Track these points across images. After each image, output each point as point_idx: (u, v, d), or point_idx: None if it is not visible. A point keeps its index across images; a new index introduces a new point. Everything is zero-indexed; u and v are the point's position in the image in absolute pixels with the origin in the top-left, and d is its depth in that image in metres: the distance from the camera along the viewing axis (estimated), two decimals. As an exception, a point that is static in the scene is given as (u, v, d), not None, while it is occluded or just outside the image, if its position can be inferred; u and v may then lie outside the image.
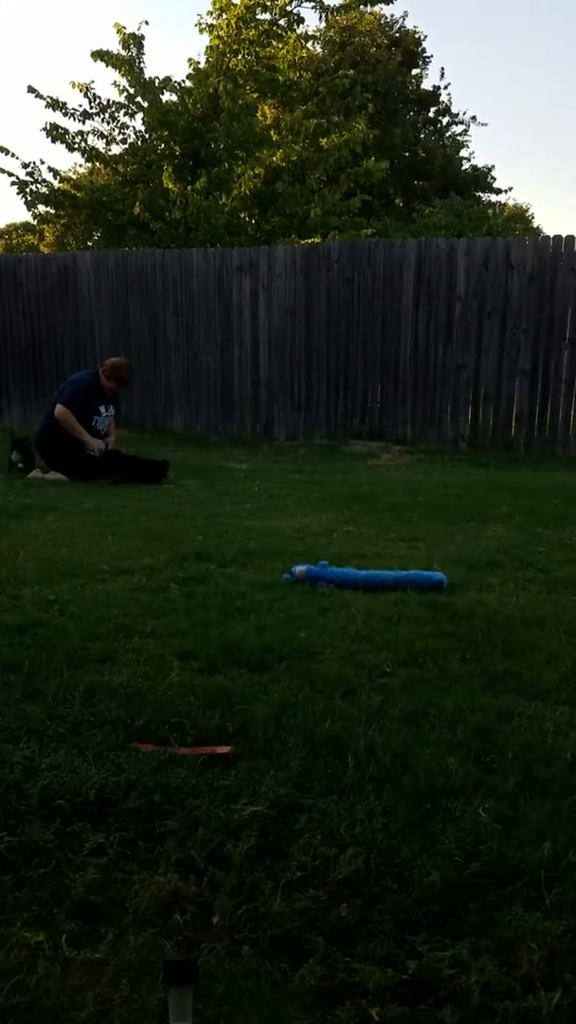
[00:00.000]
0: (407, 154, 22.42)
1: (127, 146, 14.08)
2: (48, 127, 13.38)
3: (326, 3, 13.92)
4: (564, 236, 9.07)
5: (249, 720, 2.42)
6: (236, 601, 3.57)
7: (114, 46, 13.60)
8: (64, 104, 13.43)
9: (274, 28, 13.78)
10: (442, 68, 35.57)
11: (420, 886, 1.74)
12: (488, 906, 1.69)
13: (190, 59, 13.77)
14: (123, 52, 13.24)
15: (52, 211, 14.42)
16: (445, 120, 23.79)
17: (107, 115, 13.75)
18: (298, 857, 1.84)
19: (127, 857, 1.86)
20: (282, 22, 13.80)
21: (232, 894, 1.74)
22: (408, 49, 23.09)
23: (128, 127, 13.95)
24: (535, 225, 28.98)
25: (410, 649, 3.06)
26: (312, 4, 13.81)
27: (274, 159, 13.17)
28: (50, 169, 14.11)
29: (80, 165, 15.82)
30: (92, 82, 13.51)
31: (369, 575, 3.97)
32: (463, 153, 23.50)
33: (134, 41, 13.26)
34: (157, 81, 13.46)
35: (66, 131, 13.54)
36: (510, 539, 4.99)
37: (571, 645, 3.14)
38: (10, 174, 13.68)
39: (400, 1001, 1.48)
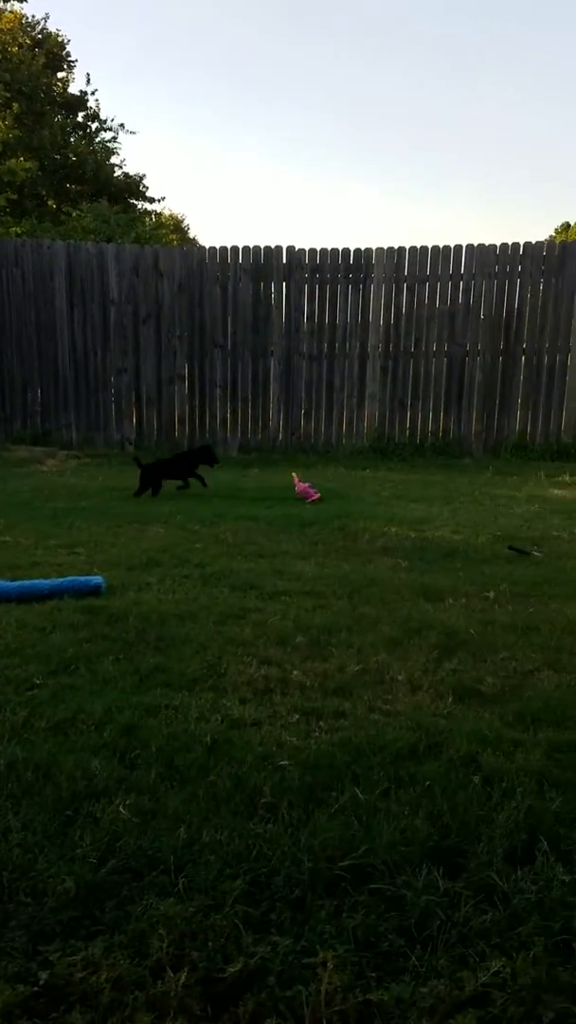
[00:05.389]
0: (58, 157, 21.92)
1: None
2: None
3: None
4: (208, 247, 9.46)
5: None
6: None
7: None
8: None
9: None
10: (88, 74, 35.22)
11: (55, 895, 1.71)
12: (123, 901, 1.70)
13: None
14: None
15: None
16: (94, 126, 23.60)
17: None
18: None
19: None
20: None
21: None
22: (52, 51, 22.56)
23: None
24: (192, 235, 29.84)
25: (63, 657, 3.00)
26: None
27: None
28: None
29: None
30: None
31: (22, 586, 3.84)
32: (114, 160, 23.47)
33: None
34: None
35: None
36: (170, 538, 5.09)
37: (218, 634, 3.28)
38: None
39: (30, 1015, 1.45)
